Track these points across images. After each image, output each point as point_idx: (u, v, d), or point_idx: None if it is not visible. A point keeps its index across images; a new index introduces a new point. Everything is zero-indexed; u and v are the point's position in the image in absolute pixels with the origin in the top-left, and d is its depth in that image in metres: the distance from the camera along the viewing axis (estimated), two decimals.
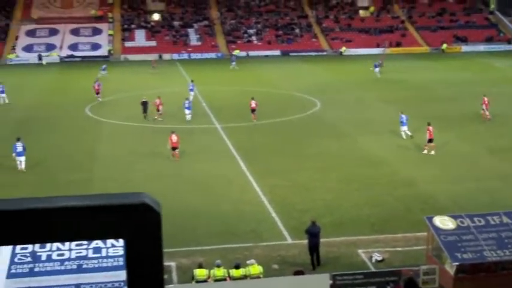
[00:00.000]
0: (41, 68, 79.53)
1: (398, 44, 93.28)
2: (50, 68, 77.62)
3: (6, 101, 53.88)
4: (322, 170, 32.85)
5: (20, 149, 33.70)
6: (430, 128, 35.97)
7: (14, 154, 33.85)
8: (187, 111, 45.16)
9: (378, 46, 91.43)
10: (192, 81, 55.61)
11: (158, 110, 45.66)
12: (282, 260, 22.48)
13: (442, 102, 50.65)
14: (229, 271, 19.33)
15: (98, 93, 54.29)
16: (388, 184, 30.52)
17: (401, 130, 39.38)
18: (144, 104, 46.51)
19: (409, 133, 38.99)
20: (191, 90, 52.81)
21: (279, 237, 24.47)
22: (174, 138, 35.68)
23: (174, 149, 35.79)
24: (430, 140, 35.93)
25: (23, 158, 33.63)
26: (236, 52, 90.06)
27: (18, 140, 34.15)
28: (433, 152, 35.67)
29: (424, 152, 35.95)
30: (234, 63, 75.70)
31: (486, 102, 44.62)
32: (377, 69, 66.31)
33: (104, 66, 71.55)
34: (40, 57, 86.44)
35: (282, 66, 77.20)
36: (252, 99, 45.77)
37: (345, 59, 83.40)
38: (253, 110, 45.28)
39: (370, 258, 22.58)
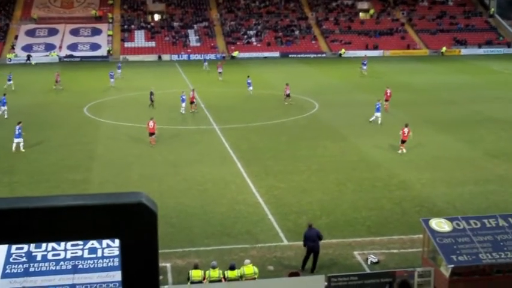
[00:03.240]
0: (40, 67, 79.50)
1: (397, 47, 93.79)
2: (50, 67, 77.54)
3: (12, 88, 58.82)
4: (319, 172, 32.83)
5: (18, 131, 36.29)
6: (405, 129, 36.23)
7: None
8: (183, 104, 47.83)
9: (375, 48, 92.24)
10: (248, 76, 58.40)
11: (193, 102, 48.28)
12: (278, 262, 22.44)
13: (440, 104, 50.75)
14: (224, 272, 19.32)
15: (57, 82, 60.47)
16: (385, 186, 30.50)
17: (375, 115, 43.06)
18: (151, 94, 50.10)
19: (372, 119, 43.10)
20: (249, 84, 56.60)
21: (275, 239, 24.42)
22: (151, 124, 37.51)
23: (151, 134, 37.51)
24: (403, 141, 36.29)
25: (20, 140, 36.27)
26: (235, 53, 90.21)
27: (19, 123, 36.84)
28: (402, 151, 36.32)
29: (400, 151, 36.28)
30: (206, 63, 77.07)
31: (388, 94, 48.73)
32: (365, 68, 69.97)
33: (119, 64, 73.09)
34: (29, 58, 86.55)
35: (281, 68, 77.23)
36: (287, 85, 51.76)
37: (344, 61, 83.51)
38: (288, 95, 51.29)
39: (366, 260, 22.56)
